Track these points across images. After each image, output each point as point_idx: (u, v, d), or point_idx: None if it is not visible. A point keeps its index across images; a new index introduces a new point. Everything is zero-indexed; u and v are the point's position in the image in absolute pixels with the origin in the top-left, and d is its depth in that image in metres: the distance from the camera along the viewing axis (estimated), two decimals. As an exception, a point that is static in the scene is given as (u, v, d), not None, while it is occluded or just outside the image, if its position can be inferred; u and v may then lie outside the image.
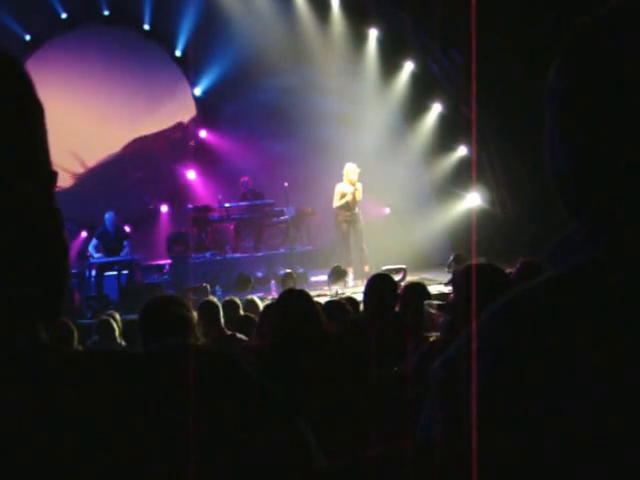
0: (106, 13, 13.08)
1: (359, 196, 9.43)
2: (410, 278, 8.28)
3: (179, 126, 13.74)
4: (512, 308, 0.72)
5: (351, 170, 9.39)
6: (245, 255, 11.13)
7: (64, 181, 12.71)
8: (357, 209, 9.53)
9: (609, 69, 0.71)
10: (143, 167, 13.62)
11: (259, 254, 11.07)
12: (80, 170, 13.37)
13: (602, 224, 0.71)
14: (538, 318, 0.69)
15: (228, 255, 11.04)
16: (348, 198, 9.38)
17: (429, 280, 8.19)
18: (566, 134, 0.75)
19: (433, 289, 6.51)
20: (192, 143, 13.65)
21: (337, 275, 9.10)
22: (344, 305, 4.41)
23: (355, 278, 9.32)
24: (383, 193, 11.07)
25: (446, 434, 0.69)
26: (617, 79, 0.70)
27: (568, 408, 0.64)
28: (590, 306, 0.67)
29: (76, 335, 4.58)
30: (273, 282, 9.28)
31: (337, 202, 9.50)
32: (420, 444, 0.72)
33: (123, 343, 5.24)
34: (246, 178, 11.49)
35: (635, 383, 0.63)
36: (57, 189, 0.65)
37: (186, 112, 13.62)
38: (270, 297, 8.36)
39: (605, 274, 0.68)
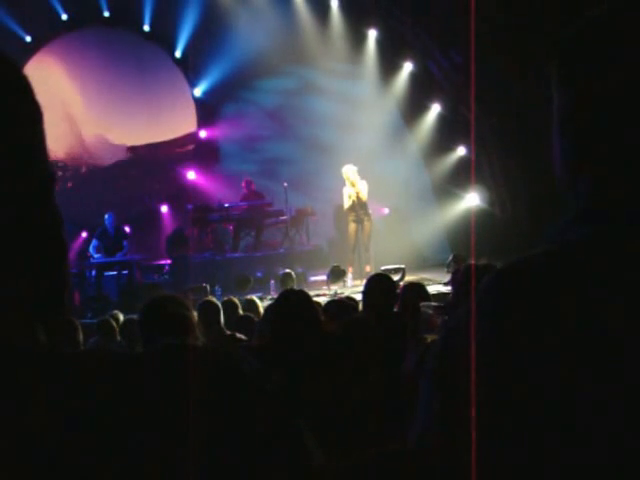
0: (106, 14, 13.11)
1: (363, 196, 9.28)
2: (409, 278, 8.26)
3: (179, 127, 13.73)
4: (512, 274, 0.74)
5: (348, 171, 9.29)
6: (244, 255, 11.13)
7: (63, 181, 12.72)
8: (365, 209, 9.40)
9: (601, 56, 0.73)
10: (143, 167, 13.62)
11: (258, 254, 11.07)
12: (80, 170, 13.38)
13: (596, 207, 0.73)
14: (539, 282, 0.72)
15: (228, 255, 11.04)
16: (351, 201, 9.31)
17: (428, 280, 8.20)
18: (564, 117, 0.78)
19: (432, 289, 6.51)
20: (192, 144, 13.66)
21: (336, 275, 9.10)
22: (346, 304, 4.41)
23: (354, 278, 9.31)
24: (382, 193, 11.05)
25: (443, 430, 0.71)
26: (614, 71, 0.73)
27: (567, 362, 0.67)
28: (592, 272, 0.70)
29: (80, 332, 4.58)
30: (272, 282, 9.27)
31: (345, 205, 9.45)
32: (418, 442, 0.73)
33: (123, 343, 5.23)
34: (249, 179, 11.47)
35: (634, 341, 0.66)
36: (57, 189, 0.65)
37: (186, 113, 13.62)
38: (269, 297, 8.35)
39: (599, 247, 0.70)
